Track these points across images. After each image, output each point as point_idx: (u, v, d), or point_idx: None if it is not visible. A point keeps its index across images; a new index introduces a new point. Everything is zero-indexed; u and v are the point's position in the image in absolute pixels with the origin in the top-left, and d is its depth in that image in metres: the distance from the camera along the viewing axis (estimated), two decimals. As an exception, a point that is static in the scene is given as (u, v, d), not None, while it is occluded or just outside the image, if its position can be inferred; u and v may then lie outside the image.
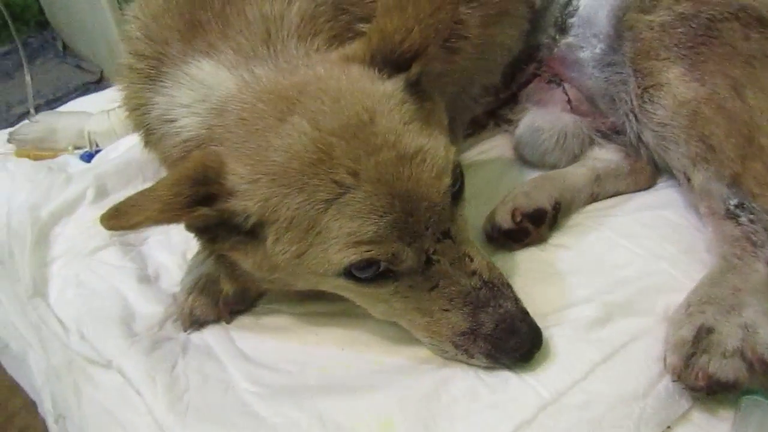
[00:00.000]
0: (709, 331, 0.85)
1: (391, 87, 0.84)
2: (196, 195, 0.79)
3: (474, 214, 1.14)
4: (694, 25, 1.11)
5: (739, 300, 0.89)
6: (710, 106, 1.06)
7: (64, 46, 3.57)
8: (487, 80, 1.31)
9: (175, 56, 0.91)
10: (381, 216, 0.78)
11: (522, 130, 1.28)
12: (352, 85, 0.83)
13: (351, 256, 0.78)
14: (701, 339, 0.85)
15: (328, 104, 0.81)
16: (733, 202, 1.02)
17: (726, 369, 0.81)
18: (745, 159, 1.05)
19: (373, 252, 0.78)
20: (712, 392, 0.82)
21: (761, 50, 1.11)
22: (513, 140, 1.32)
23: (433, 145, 0.82)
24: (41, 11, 3.56)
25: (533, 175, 1.24)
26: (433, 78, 1.09)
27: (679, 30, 1.11)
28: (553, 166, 1.26)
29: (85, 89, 3.15)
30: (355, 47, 0.88)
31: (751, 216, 1.00)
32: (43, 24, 3.63)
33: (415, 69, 0.86)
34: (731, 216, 1.02)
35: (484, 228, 1.12)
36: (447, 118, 0.96)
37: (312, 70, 0.85)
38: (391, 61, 0.85)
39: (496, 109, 1.38)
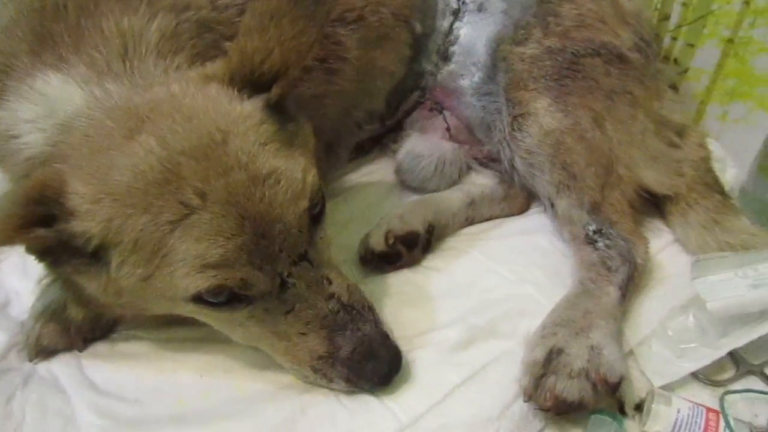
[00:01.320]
0: (559, 352, 0.88)
1: (250, 108, 0.83)
2: (32, 215, 0.75)
3: (353, 237, 1.15)
4: (560, 59, 1.17)
5: (589, 322, 0.92)
6: (572, 136, 1.12)
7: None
8: (370, 105, 1.32)
9: (21, 69, 0.86)
10: (229, 238, 0.75)
11: (402, 156, 1.30)
12: (207, 105, 0.81)
13: (197, 281, 0.76)
14: (552, 360, 0.87)
15: (179, 123, 0.78)
16: (592, 228, 1.07)
17: (572, 389, 0.84)
18: (604, 188, 1.10)
19: (220, 276, 0.76)
20: (560, 412, 0.85)
21: (621, 85, 1.18)
22: (394, 165, 1.33)
23: (290, 167, 0.81)
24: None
25: (413, 198, 1.26)
26: (309, 99, 1.09)
27: (547, 63, 1.17)
28: (433, 192, 1.28)
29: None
30: (215, 66, 0.86)
31: (608, 242, 1.06)
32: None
33: (275, 90, 0.85)
34: (590, 241, 1.07)
35: (358, 251, 1.12)
36: (313, 140, 0.95)
37: (167, 87, 0.83)
38: (250, 82, 0.84)
39: (380, 136, 1.39)
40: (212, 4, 0.96)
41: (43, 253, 0.82)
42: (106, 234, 0.76)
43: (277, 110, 0.87)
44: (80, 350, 0.97)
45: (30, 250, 0.82)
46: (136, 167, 0.75)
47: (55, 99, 0.83)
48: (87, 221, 0.76)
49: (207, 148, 0.77)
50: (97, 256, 0.78)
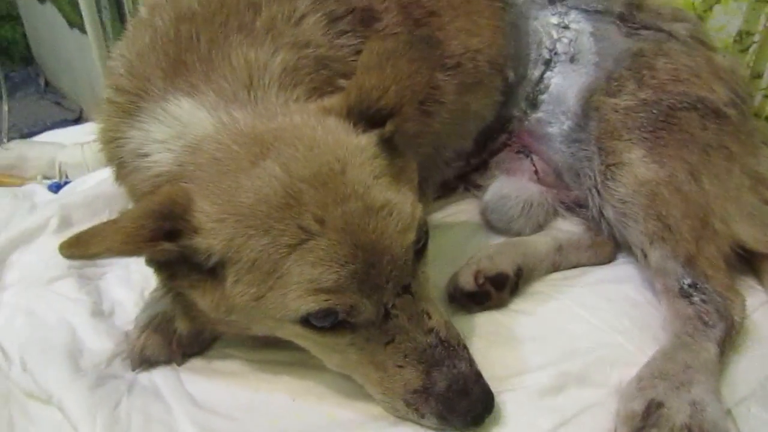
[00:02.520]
0: (659, 405, 0.86)
1: (365, 141, 0.87)
2: (160, 229, 0.79)
3: (438, 275, 1.15)
4: (655, 111, 1.18)
5: (689, 377, 0.90)
6: (668, 188, 1.11)
7: (46, 83, 3.59)
8: (459, 145, 1.35)
9: (155, 93, 0.92)
10: (343, 265, 0.78)
11: (490, 196, 1.32)
12: (326, 136, 0.85)
13: (309, 304, 0.78)
14: (651, 413, 0.86)
15: (301, 151, 0.82)
16: (687, 281, 1.05)
17: (673, 444, 0.82)
18: (700, 241, 1.09)
19: (331, 301, 0.78)
20: (658, 467, 0.83)
21: (717, 140, 1.17)
22: (480, 205, 1.35)
23: (401, 201, 0.84)
24: (28, 47, 3.60)
25: (498, 241, 1.27)
26: (408, 138, 1.13)
27: (642, 114, 1.18)
28: (518, 234, 1.29)
29: (63, 127, 3.15)
30: (333, 100, 0.91)
31: (704, 296, 1.04)
32: (28, 60, 3.65)
33: (389, 126, 0.89)
34: (685, 295, 1.05)
35: (446, 288, 1.13)
36: (417, 177, 0.98)
37: (289, 117, 0.87)
38: (366, 117, 0.88)
39: (466, 174, 1.42)
40: (330, 43, 1.02)
41: (163, 265, 0.86)
42: (226, 252, 0.80)
43: (388, 146, 0.90)
44: (179, 364, 1.00)
45: (151, 262, 0.86)
46: (260, 191, 0.79)
47: (186, 122, 0.89)
48: (210, 239, 0.80)
49: (326, 176, 0.81)
50: (214, 272, 0.82)
